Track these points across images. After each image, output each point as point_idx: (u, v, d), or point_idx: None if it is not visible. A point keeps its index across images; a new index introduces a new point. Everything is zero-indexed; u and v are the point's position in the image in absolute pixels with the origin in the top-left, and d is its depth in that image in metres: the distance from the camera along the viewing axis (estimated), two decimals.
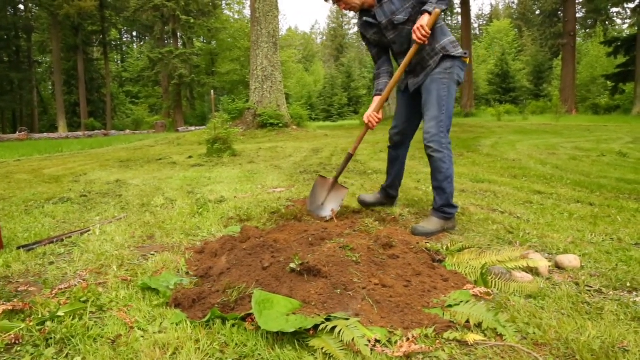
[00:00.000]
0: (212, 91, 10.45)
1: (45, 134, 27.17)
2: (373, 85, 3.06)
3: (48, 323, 1.58)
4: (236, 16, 41.11)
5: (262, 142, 11.36)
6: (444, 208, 2.79)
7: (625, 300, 1.75)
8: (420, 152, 6.50)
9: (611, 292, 1.85)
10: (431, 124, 2.75)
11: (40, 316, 1.64)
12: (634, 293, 1.84)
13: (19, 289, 1.98)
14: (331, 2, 2.95)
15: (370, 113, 2.95)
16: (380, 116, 2.92)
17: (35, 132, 31.97)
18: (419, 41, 2.64)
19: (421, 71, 2.86)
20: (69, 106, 38.23)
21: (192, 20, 31.63)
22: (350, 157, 3.12)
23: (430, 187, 3.20)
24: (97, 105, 40.92)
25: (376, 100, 2.97)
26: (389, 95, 2.96)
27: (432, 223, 2.76)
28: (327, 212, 3.03)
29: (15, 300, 1.83)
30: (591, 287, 1.90)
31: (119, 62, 56.00)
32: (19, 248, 2.57)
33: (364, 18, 2.92)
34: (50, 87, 45.28)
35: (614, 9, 34.46)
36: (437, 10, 2.60)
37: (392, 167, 3.33)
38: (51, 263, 2.36)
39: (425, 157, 3.11)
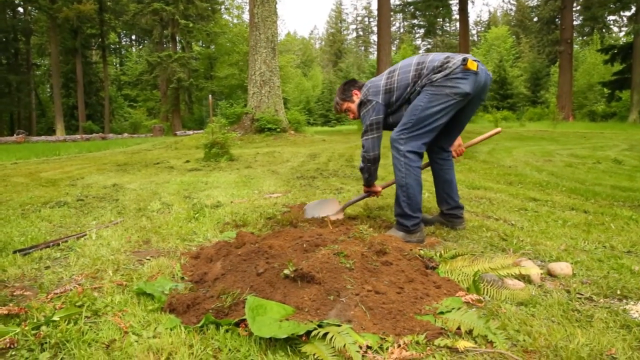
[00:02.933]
0: (210, 95, 10.49)
1: (43, 137, 27.12)
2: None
3: (43, 327, 1.59)
4: (235, 21, 41.28)
5: (260, 146, 11.38)
6: (398, 218, 2.79)
7: (615, 308, 1.77)
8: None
9: (602, 300, 1.87)
10: (396, 129, 2.80)
11: (35, 320, 1.65)
12: (624, 301, 1.86)
13: (14, 293, 1.99)
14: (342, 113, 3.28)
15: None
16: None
17: (33, 134, 31.93)
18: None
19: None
20: (67, 109, 38.20)
21: (191, 25, 31.69)
22: (363, 197, 3.42)
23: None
24: (95, 108, 40.87)
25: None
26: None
27: (392, 234, 2.72)
28: (316, 215, 3.31)
29: (11, 304, 1.84)
30: (582, 294, 1.92)
31: (118, 65, 55.98)
32: (15, 252, 2.57)
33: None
34: (49, 90, 45.18)
35: (611, 17, 34.66)
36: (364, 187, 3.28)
37: (435, 184, 3.22)
38: (47, 267, 2.37)
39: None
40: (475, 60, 2.64)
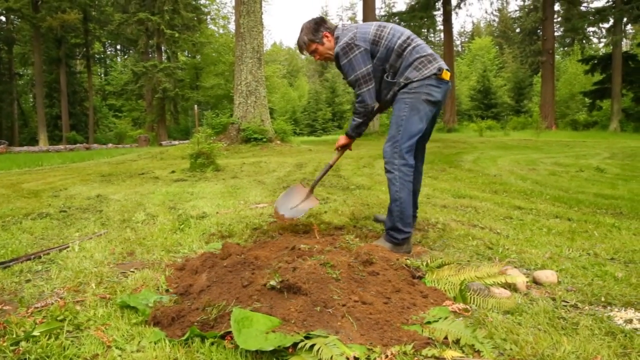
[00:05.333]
0: (196, 105, 10.43)
1: (25, 147, 26.69)
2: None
3: (23, 343, 1.55)
4: (221, 31, 41.21)
5: (246, 156, 11.34)
6: (390, 231, 2.75)
7: (600, 315, 1.78)
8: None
9: (586, 307, 1.88)
10: (387, 144, 2.79)
11: (14, 336, 1.61)
12: (609, 307, 1.88)
13: None
14: (306, 53, 3.04)
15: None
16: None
17: (15, 145, 31.42)
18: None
19: (392, 97, 2.90)
20: (50, 119, 37.68)
21: (176, 35, 31.58)
22: (329, 167, 3.28)
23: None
24: (79, 118, 40.41)
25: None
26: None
27: (379, 244, 2.71)
28: (298, 214, 3.20)
29: None
30: (567, 302, 1.93)
31: (102, 75, 55.54)
32: None
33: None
34: (32, 100, 44.60)
35: (590, 29, 35.45)
36: (347, 137, 3.08)
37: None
38: (28, 281, 2.32)
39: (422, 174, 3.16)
40: (447, 70, 2.76)
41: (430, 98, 2.72)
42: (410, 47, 2.75)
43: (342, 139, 3.14)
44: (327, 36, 2.94)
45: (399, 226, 2.71)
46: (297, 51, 3.06)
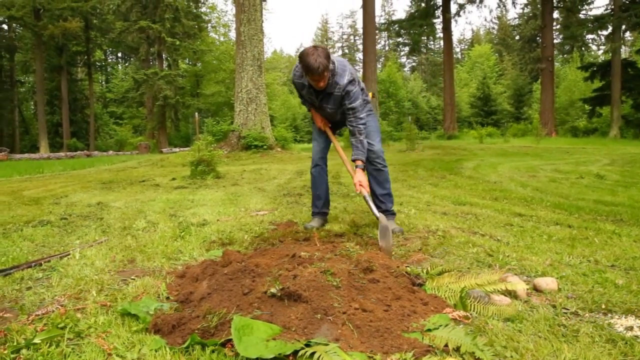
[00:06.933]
0: (197, 113, 10.46)
1: (26, 155, 26.76)
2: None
3: (23, 351, 1.55)
4: (222, 39, 41.46)
5: (246, 164, 11.36)
6: (392, 209, 3.63)
7: (601, 322, 1.78)
8: (404, 175, 6.53)
9: (587, 314, 1.88)
10: (378, 146, 3.58)
11: (15, 343, 1.61)
12: (609, 315, 1.88)
13: None
14: (318, 73, 3.06)
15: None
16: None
17: (16, 152, 31.46)
18: (358, 192, 3.23)
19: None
20: (51, 126, 37.78)
21: (177, 42, 31.72)
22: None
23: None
24: (80, 125, 40.48)
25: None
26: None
27: (393, 227, 3.38)
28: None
29: None
30: (568, 309, 1.93)
31: (103, 82, 55.72)
32: None
33: (310, 86, 3.31)
34: (33, 107, 44.74)
35: (589, 36, 35.60)
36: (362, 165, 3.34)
37: (321, 187, 3.74)
38: (29, 288, 2.32)
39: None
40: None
41: None
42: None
43: (362, 177, 3.25)
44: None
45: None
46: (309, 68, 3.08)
